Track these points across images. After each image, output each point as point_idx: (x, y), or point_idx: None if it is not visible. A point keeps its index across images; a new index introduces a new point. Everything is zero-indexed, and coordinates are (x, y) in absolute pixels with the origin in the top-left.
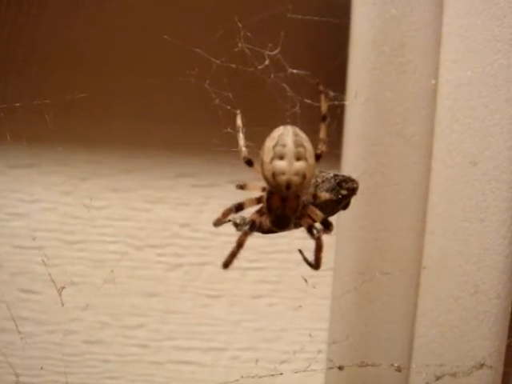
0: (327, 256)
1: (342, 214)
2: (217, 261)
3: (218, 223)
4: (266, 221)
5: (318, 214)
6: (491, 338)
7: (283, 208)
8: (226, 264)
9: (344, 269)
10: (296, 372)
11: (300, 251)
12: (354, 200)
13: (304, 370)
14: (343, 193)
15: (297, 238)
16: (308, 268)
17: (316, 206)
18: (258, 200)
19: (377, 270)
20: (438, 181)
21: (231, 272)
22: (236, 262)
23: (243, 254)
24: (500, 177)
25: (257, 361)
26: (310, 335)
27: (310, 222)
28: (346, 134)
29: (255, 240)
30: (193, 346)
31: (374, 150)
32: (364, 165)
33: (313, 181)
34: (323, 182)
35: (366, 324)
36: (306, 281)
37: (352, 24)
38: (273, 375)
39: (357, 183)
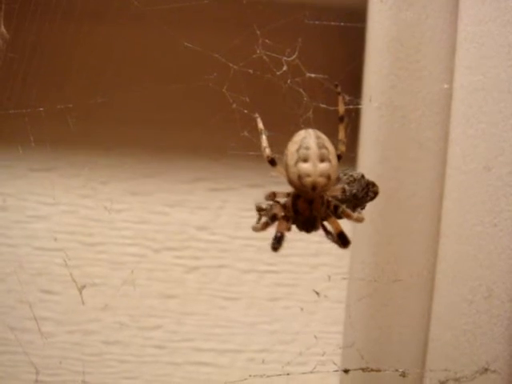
0: (342, 261)
1: None
2: (234, 263)
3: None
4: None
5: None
6: (504, 342)
7: (310, 210)
8: (275, 248)
9: (359, 272)
10: (304, 373)
11: (326, 233)
12: (369, 204)
13: (311, 372)
14: (371, 195)
15: (313, 242)
16: (323, 274)
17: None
18: (284, 206)
19: (391, 274)
20: (452, 186)
21: (248, 275)
22: (253, 265)
23: (260, 257)
24: None
25: (271, 363)
26: (323, 338)
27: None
28: (362, 139)
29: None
30: (209, 348)
31: (389, 155)
32: (379, 169)
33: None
34: (352, 181)
35: (379, 327)
36: (317, 293)
37: (368, 30)
38: (279, 375)
39: (379, 188)
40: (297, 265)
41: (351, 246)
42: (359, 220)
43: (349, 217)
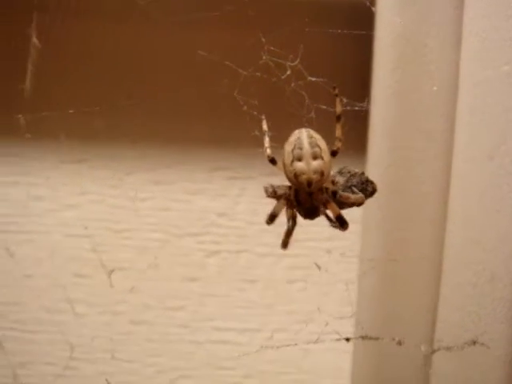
0: (354, 245)
1: (367, 204)
2: (252, 248)
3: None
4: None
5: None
6: (507, 322)
7: (310, 201)
8: (284, 244)
9: (369, 256)
10: (308, 343)
11: (330, 222)
12: (379, 191)
13: (314, 342)
14: (369, 190)
15: (326, 227)
16: (336, 258)
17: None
18: (287, 198)
19: (400, 258)
20: (458, 174)
21: (265, 258)
22: (270, 249)
23: (277, 241)
24: None
25: (286, 340)
26: (336, 318)
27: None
28: (371, 131)
29: None
30: (229, 327)
31: (398, 145)
32: (388, 159)
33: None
34: (353, 175)
35: (389, 306)
36: (319, 268)
37: (376, 27)
38: (288, 345)
39: (377, 186)
40: (312, 249)
41: (361, 231)
42: (359, 200)
43: (348, 199)
